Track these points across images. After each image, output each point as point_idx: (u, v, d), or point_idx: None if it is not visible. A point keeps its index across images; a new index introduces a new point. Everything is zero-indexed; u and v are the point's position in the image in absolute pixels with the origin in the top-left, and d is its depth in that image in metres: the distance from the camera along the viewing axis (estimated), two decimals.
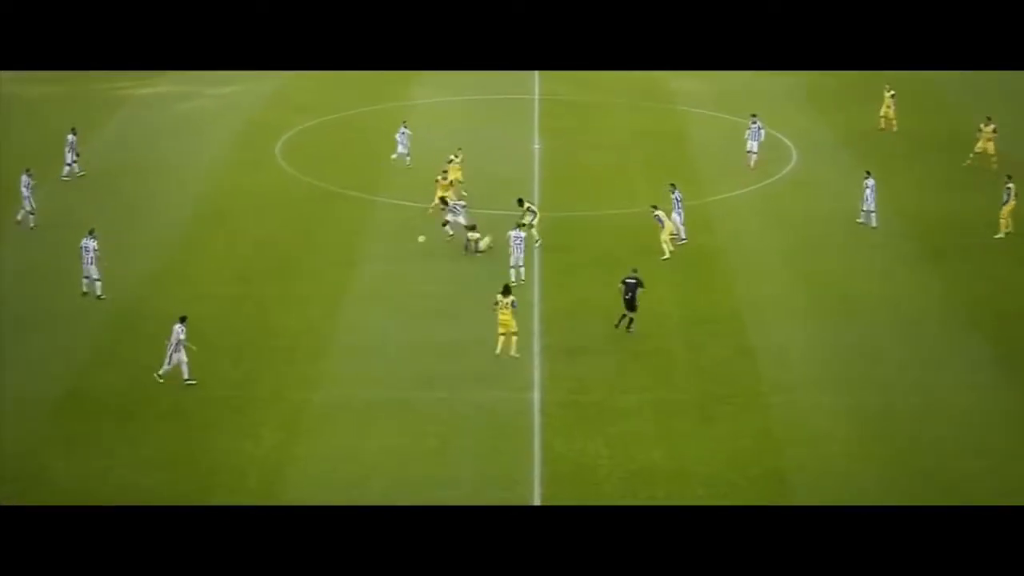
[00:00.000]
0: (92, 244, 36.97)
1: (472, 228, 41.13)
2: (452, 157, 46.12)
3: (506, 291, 33.99)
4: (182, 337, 31.79)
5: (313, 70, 40.52)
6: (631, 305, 35.04)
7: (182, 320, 32.02)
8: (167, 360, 31.82)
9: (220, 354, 33.79)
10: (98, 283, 36.99)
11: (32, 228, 42.54)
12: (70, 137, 47.86)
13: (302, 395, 31.79)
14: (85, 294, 37.05)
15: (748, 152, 50.04)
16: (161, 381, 31.77)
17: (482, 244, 40.84)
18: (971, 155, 50.09)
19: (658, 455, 29.24)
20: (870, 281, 39.39)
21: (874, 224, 43.60)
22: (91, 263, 36.87)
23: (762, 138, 50.14)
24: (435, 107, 58.53)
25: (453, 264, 40.42)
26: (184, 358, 31.84)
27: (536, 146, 53.32)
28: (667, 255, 40.95)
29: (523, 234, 38.92)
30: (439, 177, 44.43)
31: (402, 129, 50.27)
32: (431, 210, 43.18)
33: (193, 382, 31.76)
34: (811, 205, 46.43)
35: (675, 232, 41.61)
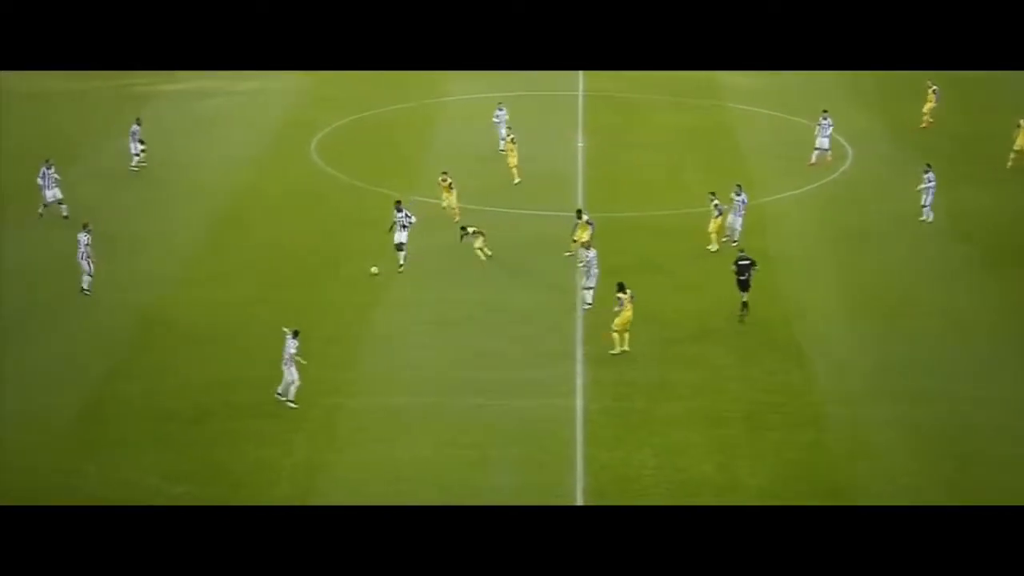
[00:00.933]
0: (85, 239, 36.40)
1: (464, 232, 39.47)
2: (447, 182, 43.35)
3: (622, 287, 33.10)
4: (293, 351, 30.27)
5: (349, 70, 39.73)
6: (746, 286, 35.04)
7: (295, 334, 30.52)
8: (289, 376, 30.24)
9: (251, 359, 32.86)
10: (87, 278, 36.39)
11: (65, 217, 42.03)
12: (135, 127, 48.00)
13: (335, 401, 30.88)
14: (83, 291, 36.57)
15: (817, 149, 49.33)
16: (281, 398, 30.37)
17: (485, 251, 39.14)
18: (1012, 153, 48.86)
19: (705, 466, 28.30)
20: (925, 286, 38.29)
21: (929, 219, 42.71)
22: (82, 257, 36.36)
23: (830, 134, 49.46)
24: (476, 104, 57.54)
25: (491, 268, 39.28)
26: (295, 377, 30.22)
27: (580, 144, 52.29)
28: (715, 247, 40.05)
29: (595, 252, 36.44)
30: (440, 180, 42.98)
31: (497, 112, 50.33)
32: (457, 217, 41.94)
33: (294, 406, 30.23)
34: (865, 206, 45.31)
35: (728, 234, 40.53)
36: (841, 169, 49.41)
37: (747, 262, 35.49)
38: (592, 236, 38.23)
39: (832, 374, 32.62)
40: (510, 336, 34.39)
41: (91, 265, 36.41)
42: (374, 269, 37.85)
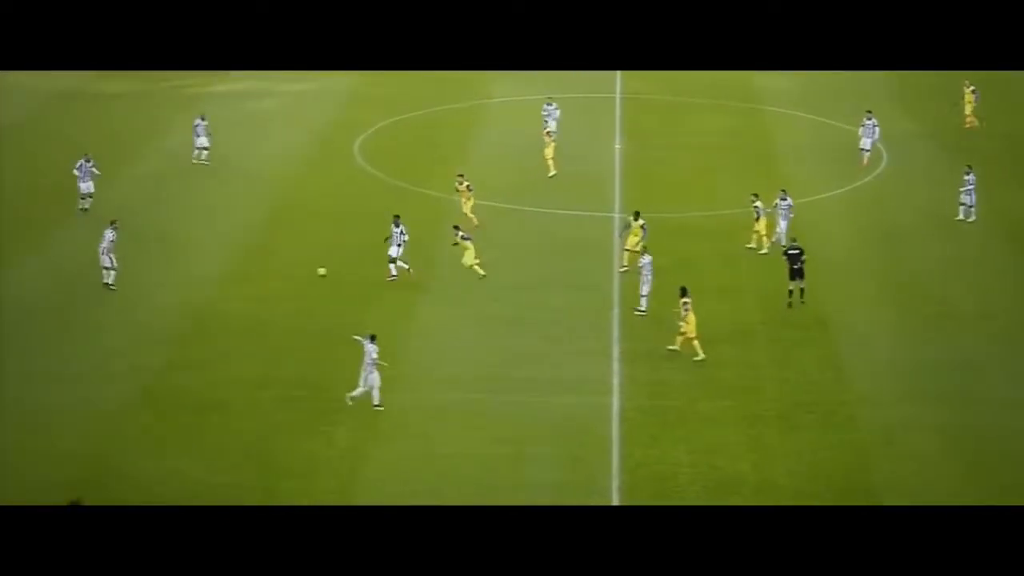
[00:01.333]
0: (110, 235, 37.18)
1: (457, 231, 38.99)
2: (464, 184, 43.26)
3: (685, 292, 33.32)
4: (375, 356, 30.43)
5: (392, 70, 40.18)
6: (799, 274, 35.98)
7: (372, 339, 30.56)
8: (361, 381, 30.38)
9: (294, 354, 33.54)
10: (112, 272, 37.12)
11: (84, 210, 43.25)
12: (200, 121, 48.94)
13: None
14: (107, 286, 37.23)
15: (861, 150, 49.51)
16: (351, 404, 30.47)
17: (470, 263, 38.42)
18: None
19: (741, 464, 28.55)
20: (964, 289, 38.36)
21: (970, 220, 42.74)
22: (104, 252, 37.07)
23: (876, 136, 49.64)
24: (516, 105, 58.01)
25: (529, 268, 39.80)
26: (377, 380, 30.32)
27: (618, 146, 52.65)
28: (754, 245, 40.46)
29: (649, 257, 36.31)
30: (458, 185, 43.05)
31: (546, 106, 50.96)
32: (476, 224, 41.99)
33: (381, 408, 30.45)
34: (904, 208, 45.43)
35: (775, 239, 40.62)
36: (878, 171, 49.53)
37: (797, 251, 36.42)
38: (645, 240, 38.33)
39: (868, 375, 32.78)
40: (548, 335, 34.83)
41: (113, 260, 37.14)
42: (321, 271, 37.70)
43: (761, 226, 40.64)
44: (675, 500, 26.97)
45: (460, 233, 38.25)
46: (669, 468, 28.33)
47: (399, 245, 38.25)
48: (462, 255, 37.85)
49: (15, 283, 38.05)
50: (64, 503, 23.73)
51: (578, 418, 30.49)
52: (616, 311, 36.36)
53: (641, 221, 39.09)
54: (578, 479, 27.98)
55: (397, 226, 38.46)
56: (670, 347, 33.43)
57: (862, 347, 34.41)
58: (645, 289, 35.75)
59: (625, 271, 38.45)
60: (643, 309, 35.70)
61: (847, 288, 38.42)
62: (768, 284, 38.33)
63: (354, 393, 30.43)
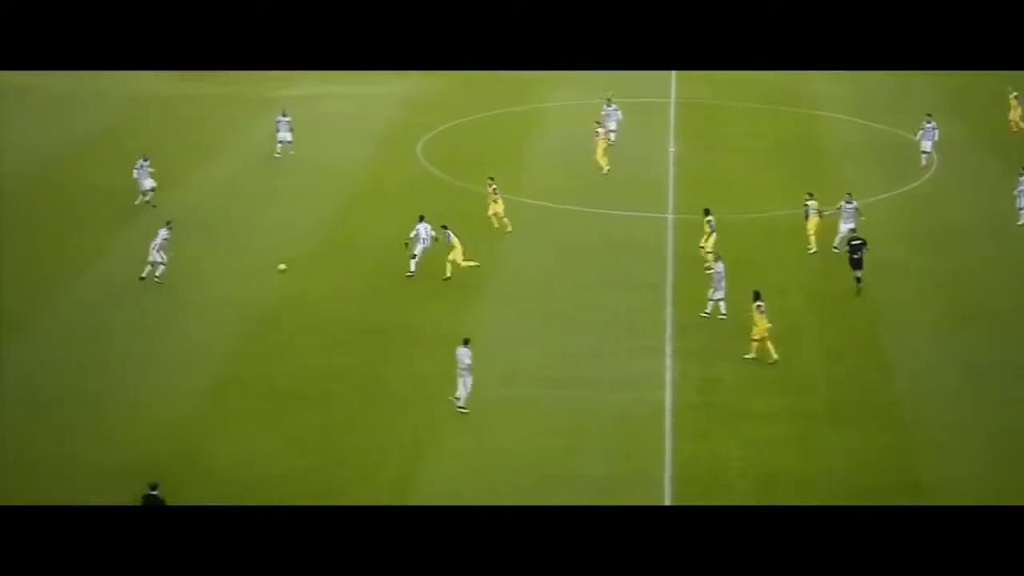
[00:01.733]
0: (164, 233, 38.81)
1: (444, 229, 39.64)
2: (491, 187, 43.75)
3: (758, 296, 33.69)
4: (468, 361, 30.75)
5: (450, 70, 40.92)
6: (859, 264, 37.79)
7: (465, 343, 31.09)
8: (460, 385, 30.88)
9: (359, 347, 34.72)
10: (161, 267, 38.64)
11: (138, 203, 45.07)
12: (281, 117, 51.36)
13: (439, 389, 32.13)
14: (143, 279, 38.63)
15: (922, 152, 49.96)
16: (460, 408, 30.97)
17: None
18: None
19: (791, 461, 29.10)
20: (1013, 292, 38.61)
21: (1021, 221, 43.08)
22: (158, 249, 38.60)
23: (936, 138, 50.03)
24: (573, 109, 58.89)
25: (585, 267, 40.72)
26: (470, 385, 30.78)
27: (672, 149, 53.37)
28: (814, 249, 40.86)
29: (723, 265, 36.25)
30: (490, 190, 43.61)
31: (606, 107, 52.07)
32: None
33: (466, 411, 31.05)
34: (954, 210, 45.72)
35: (837, 244, 41.02)
36: (929, 174, 49.81)
37: (859, 242, 38.09)
38: (709, 237, 39.25)
39: (917, 375, 33.21)
40: (602, 332, 35.67)
41: (163, 255, 38.69)
42: (281, 266, 39.19)
43: (811, 225, 41.14)
44: (725, 495, 27.55)
45: (450, 233, 39.01)
46: (720, 463, 28.96)
47: (423, 241, 39.30)
48: (449, 252, 38.68)
49: (104, 273, 39.75)
50: (142, 489, 25.13)
51: (631, 414, 31.22)
52: (669, 310, 37.09)
53: (709, 218, 39.85)
54: (630, 473, 28.71)
55: (422, 222, 39.54)
56: (763, 357, 33.58)
57: (911, 347, 34.83)
58: (718, 294, 35.97)
59: (709, 269, 38.39)
60: (724, 313, 35.97)
61: (897, 288, 38.84)
62: (818, 284, 39.02)
63: (457, 395, 31.03)
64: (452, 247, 38.86)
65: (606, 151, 49.32)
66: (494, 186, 43.41)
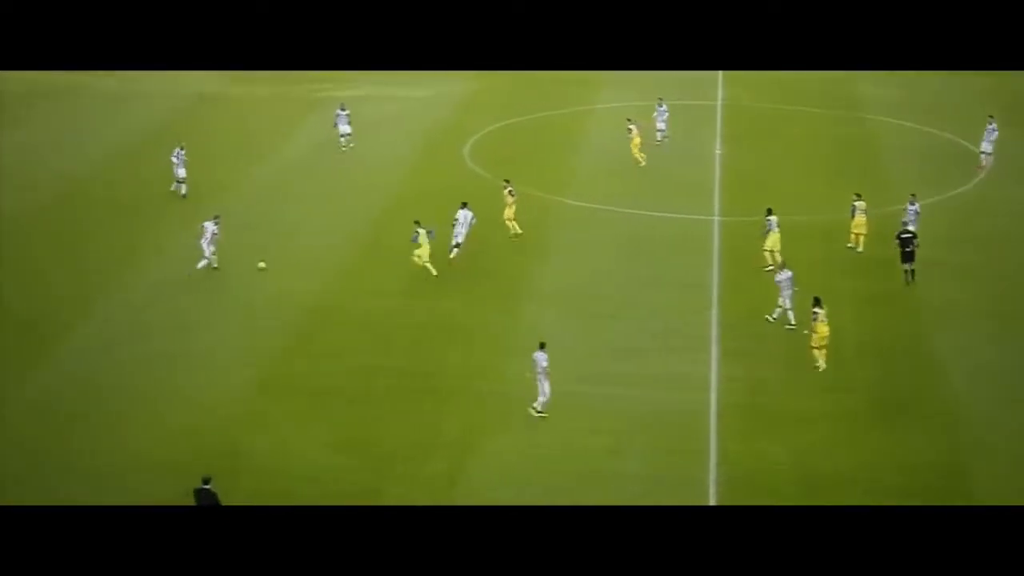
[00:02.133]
0: (212, 227, 39.52)
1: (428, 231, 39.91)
2: (507, 189, 43.65)
3: (818, 302, 33.35)
4: (545, 365, 30.69)
5: (498, 70, 41.05)
6: (910, 257, 38.28)
7: (542, 346, 31.00)
8: (541, 392, 30.95)
9: (403, 345, 34.93)
10: (203, 260, 39.28)
11: (184, 196, 46.27)
12: (340, 112, 52.89)
13: (483, 387, 32.50)
14: (196, 271, 39.21)
15: (981, 153, 49.88)
16: (537, 414, 30.95)
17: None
18: None
19: (837, 463, 29.01)
20: None
21: None
22: (206, 242, 39.37)
23: (995, 139, 49.89)
24: (619, 111, 58.87)
25: (629, 266, 40.76)
26: (548, 390, 30.82)
27: (718, 151, 53.33)
28: (859, 247, 41.04)
29: (791, 273, 35.83)
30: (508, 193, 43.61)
31: (657, 107, 53.18)
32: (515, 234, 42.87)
33: (544, 415, 31.00)
34: (1004, 213, 45.40)
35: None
36: (980, 176, 49.53)
37: (909, 235, 38.56)
38: (768, 234, 39.42)
39: (967, 377, 33.01)
40: (648, 331, 35.72)
41: (210, 248, 39.36)
42: (261, 264, 39.60)
43: (858, 225, 40.99)
44: (770, 496, 27.49)
45: (428, 229, 39.23)
46: (765, 464, 28.92)
47: (464, 227, 40.01)
48: (416, 250, 38.97)
49: (155, 271, 40.29)
50: (195, 484, 25.41)
51: (676, 413, 31.28)
52: (715, 310, 37.10)
53: (771, 218, 39.87)
54: (674, 472, 28.73)
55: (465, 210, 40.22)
56: (815, 365, 33.22)
57: (960, 349, 34.63)
58: (787, 303, 35.63)
59: (770, 270, 38.47)
60: (793, 323, 35.58)
61: (947, 290, 38.60)
62: (865, 285, 38.82)
63: (536, 403, 31.02)
64: (419, 245, 39.11)
65: (641, 146, 50.23)
66: (510, 188, 43.52)
